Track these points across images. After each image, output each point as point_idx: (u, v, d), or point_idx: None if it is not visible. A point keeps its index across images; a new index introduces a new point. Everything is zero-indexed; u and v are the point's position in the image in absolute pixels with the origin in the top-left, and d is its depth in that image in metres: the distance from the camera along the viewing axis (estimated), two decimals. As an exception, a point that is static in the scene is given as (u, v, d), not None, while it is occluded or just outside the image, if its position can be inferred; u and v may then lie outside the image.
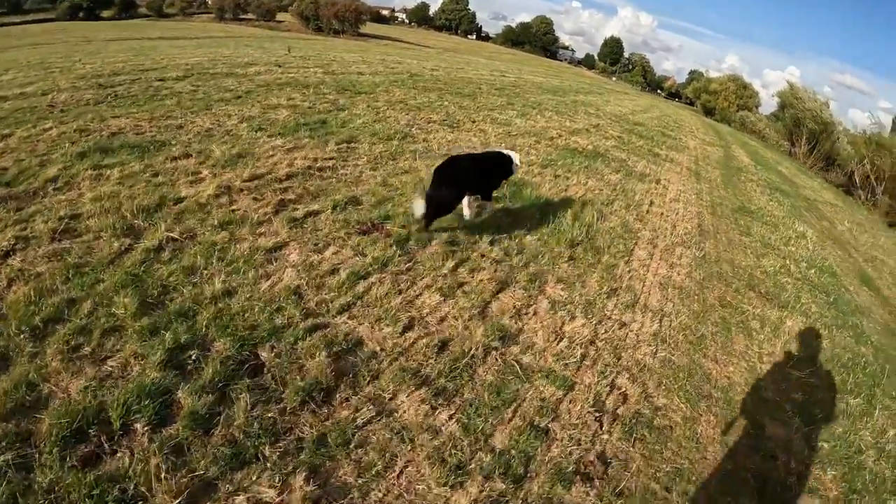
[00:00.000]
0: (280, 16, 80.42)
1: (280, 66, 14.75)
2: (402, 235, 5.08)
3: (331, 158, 6.95)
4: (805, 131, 36.57)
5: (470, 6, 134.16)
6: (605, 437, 3.33)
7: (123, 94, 8.80)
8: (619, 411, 3.57)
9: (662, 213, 8.25)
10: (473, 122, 11.34)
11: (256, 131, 7.65)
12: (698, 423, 3.71)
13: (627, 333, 4.52)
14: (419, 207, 4.94)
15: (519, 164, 5.78)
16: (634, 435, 3.41)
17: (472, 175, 5.20)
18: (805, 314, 6.13)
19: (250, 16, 78.18)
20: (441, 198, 4.94)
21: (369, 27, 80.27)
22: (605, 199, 7.91)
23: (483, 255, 5.14)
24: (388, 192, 6.15)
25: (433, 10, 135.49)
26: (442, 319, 4.03)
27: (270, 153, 6.82)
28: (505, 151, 5.68)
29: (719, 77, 69.11)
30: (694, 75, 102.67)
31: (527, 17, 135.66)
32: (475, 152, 6.13)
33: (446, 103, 12.90)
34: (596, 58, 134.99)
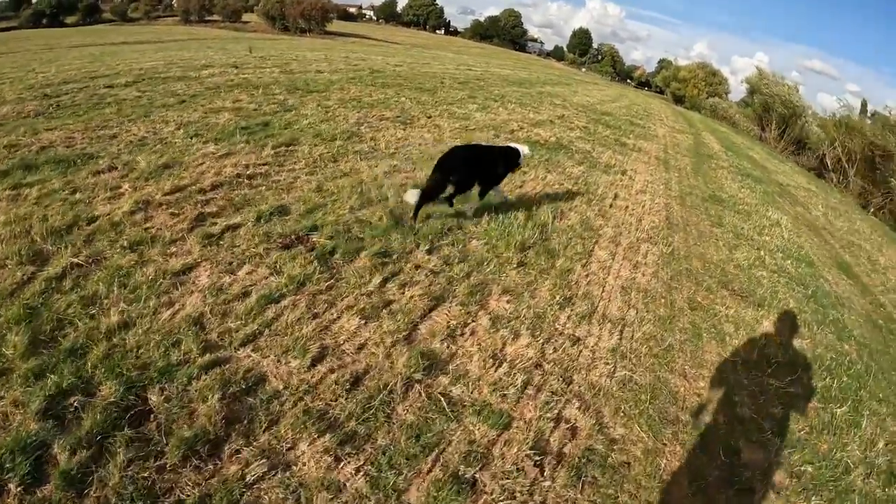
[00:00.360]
0: (246, 16, 79.67)
1: (237, 68, 13.98)
2: (327, 248, 4.49)
3: (265, 164, 6.34)
4: (775, 116, 36.63)
5: (437, 1, 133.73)
6: (547, 484, 2.77)
7: (66, 104, 8.08)
8: (565, 450, 3.01)
9: (628, 207, 7.75)
10: (429, 117, 10.75)
11: (192, 137, 7.01)
12: (662, 455, 3.18)
13: (581, 351, 3.96)
14: (412, 196, 5.01)
15: (529, 154, 6.11)
16: (583, 478, 2.86)
17: (474, 164, 5.34)
18: (783, 312, 5.67)
19: (216, 17, 77.36)
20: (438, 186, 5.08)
21: (336, 25, 79.86)
22: (565, 195, 7.37)
23: (418, 267, 4.55)
24: (322, 198, 5.55)
25: (401, 6, 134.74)
26: (360, 347, 3.44)
27: (200, 161, 6.19)
28: (513, 145, 5.84)
29: (688, 65, 69.38)
30: (663, 64, 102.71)
31: (495, 11, 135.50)
32: (481, 144, 6.83)
33: (403, 99, 12.30)
34: (565, 49, 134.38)
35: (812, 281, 7.23)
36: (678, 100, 61.74)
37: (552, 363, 3.71)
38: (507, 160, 5.65)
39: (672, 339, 4.48)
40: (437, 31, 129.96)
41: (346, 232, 4.85)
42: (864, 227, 13.90)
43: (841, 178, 27.76)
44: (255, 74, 12.99)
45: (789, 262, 7.60)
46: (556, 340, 4.00)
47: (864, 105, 38.03)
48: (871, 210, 23.02)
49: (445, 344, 3.65)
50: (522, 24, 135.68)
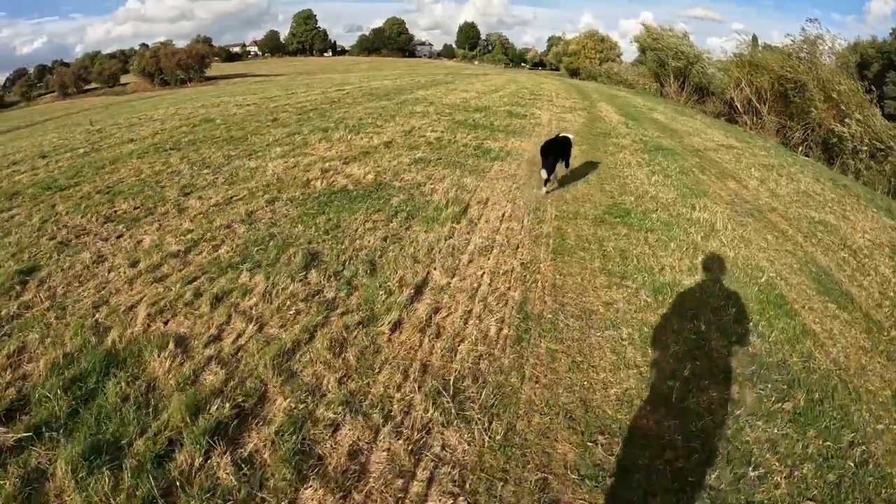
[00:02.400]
0: (125, 78, 74.27)
1: (45, 157, 10.44)
2: None
3: None
4: (671, 69, 34.50)
5: (320, 24, 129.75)
6: None
7: None
8: None
9: (438, 311, 4.10)
10: (188, 193, 7.18)
11: None
12: None
13: None
14: (544, 173, 7.42)
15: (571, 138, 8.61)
16: None
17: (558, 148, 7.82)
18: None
19: (94, 85, 72.12)
20: (552, 163, 7.49)
21: (220, 68, 75.84)
22: (298, 333, 3.72)
23: None
24: None
25: (283, 36, 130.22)
26: None
27: None
28: (564, 134, 8.54)
29: (576, 37, 67.81)
30: (552, 41, 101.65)
31: (381, 23, 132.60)
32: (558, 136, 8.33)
33: (183, 167, 8.62)
34: (454, 46, 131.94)
35: (797, 357, 3.88)
36: (574, 73, 59.81)
37: None
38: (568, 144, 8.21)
39: None
40: (325, 54, 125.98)
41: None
42: (808, 180, 10.82)
43: (755, 118, 25.51)
44: (44, 166, 9.35)
45: (754, 315, 4.25)
46: None
47: (754, 40, 36.14)
48: (800, 149, 20.70)
49: None
50: (408, 30, 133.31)
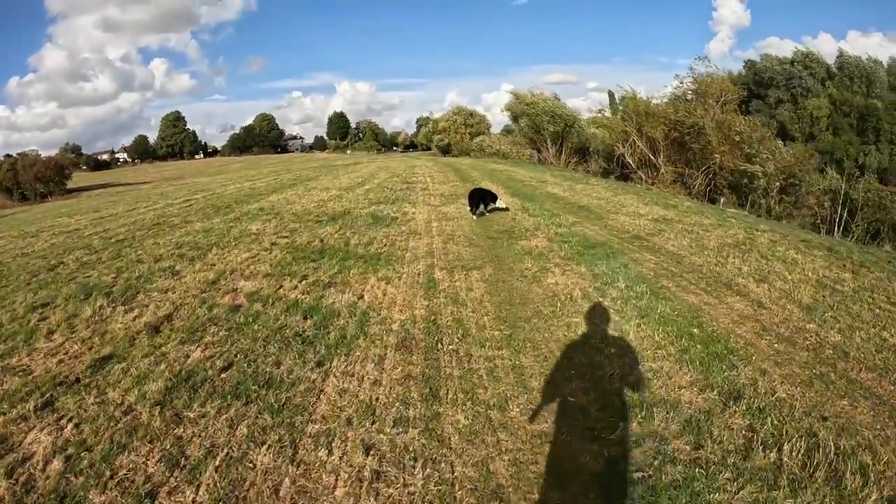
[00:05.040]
0: None
1: None
2: None
3: None
4: (548, 134, 32.78)
5: (189, 125, 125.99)
6: None
7: None
8: None
9: None
10: None
11: None
12: None
13: None
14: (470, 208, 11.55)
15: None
16: None
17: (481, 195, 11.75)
18: None
19: None
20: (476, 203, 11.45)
21: (87, 178, 68.77)
22: None
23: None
24: None
25: (153, 139, 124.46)
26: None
27: None
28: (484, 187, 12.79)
29: (445, 114, 67.06)
30: (421, 121, 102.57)
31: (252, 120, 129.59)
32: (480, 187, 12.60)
33: None
34: (326, 137, 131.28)
35: None
36: (445, 151, 58.51)
37: None
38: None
39: None
40: (196, 156, 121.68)
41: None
42: (802, 260, 7.39)
43: (651, 172, 23.46)
44: None
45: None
46: None
47: (611, 96, 35.49)
48: (721, 200, 18.55)
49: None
50: (278, 125, 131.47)
